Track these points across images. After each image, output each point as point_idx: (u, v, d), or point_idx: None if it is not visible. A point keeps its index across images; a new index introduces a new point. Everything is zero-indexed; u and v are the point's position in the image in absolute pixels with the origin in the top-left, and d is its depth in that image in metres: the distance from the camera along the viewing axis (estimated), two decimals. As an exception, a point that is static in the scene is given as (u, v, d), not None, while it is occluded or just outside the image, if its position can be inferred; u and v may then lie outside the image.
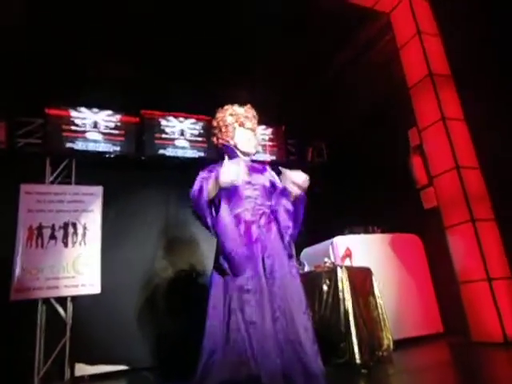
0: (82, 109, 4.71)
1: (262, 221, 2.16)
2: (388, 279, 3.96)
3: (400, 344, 3.50)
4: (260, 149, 2.28)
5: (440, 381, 2.49)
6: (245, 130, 2.31)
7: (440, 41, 4.29)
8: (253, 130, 2.34)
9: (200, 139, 5.17)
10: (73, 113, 4.65)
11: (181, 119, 5.15)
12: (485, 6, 3.71)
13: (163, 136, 4.97)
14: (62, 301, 4.16)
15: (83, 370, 3.90)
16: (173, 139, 5.01)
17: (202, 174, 2.22)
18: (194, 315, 4.12)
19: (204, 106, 5.14)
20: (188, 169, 4.79)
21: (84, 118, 4.68)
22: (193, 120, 5.22)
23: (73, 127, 4.59)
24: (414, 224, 4.46)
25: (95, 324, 4.02)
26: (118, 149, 4.73)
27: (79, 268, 4.19)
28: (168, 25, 4.40)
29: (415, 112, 4.23)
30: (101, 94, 4.74)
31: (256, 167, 2.36)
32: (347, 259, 3.73)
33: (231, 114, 2.31)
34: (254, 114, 2.40)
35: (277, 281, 2.02)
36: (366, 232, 4.38)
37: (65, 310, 4.15)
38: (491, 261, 3.53)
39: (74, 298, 4.18)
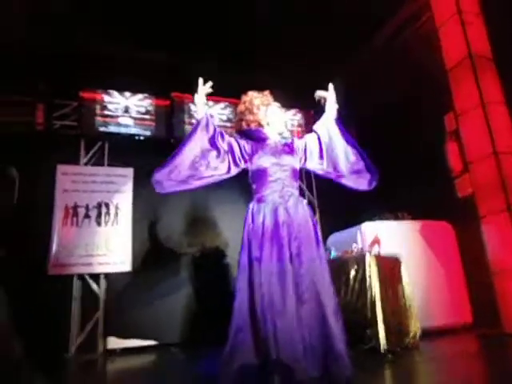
0: (114, 93, 4.82)
1: (290, 202, 2.16)
2: (417, 267, 3.88)
3: (428, 333, 3.45)
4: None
5: (468, 370, 2.45)
6: (275, 108, 2.35)
7: (482, 20, 4.06)
8: (280, 108, 2.38)
9: (228, 124, 5.18)
10: (105, 97, 4.78)
11: (210, 103, 5.17)
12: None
13: (192, 120, 5.01)
14: (95, 277, 4.36)
15: (115, 343, 4.09)
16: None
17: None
18: (222, 294, 4.24)
19: (232, 90, 5.14)
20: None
21: (116, 103, 4.79)
22: (222, 104, 5.24)
23: (105, 111, 4.72)
24: (447, 211, 4.32)
25: (127, 300, 4.18)
26: (148, 132, 4.83)
27: (111, 246, 4.35)
28: (195, 7, 4.37)
29: (453, 96, 4.06)
30: (133, 78, 4.82)
31: (285, 148, 2.35)
32: (376, 246, 3.68)
33: (256, 97, 2.33)
34: (272, 99, 2.42)
35: (304, 264, 2.02)
36: (396, 218, 4.29)
37: (98, 285, 4.35)
38: (528, 252, 3.40)
39: (107, 275, 4.36)
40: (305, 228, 2.12)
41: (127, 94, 4.87)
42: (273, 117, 2.32)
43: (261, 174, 2.21)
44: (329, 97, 2.36)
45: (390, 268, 3.32)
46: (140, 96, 4.92)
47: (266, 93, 2.40)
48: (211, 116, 2.24)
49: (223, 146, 2.20)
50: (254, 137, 2.34)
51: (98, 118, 4.67)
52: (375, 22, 4.84)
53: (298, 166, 2.31)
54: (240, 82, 4.92)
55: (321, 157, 2.33)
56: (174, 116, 4.95)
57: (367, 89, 5.39)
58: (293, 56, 5.04)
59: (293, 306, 1.93)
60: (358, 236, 3.94)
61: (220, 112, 5.21)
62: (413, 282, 3.51)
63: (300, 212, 2.15)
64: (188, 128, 4.97)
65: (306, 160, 2.33)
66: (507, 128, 3.77)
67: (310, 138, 2.37)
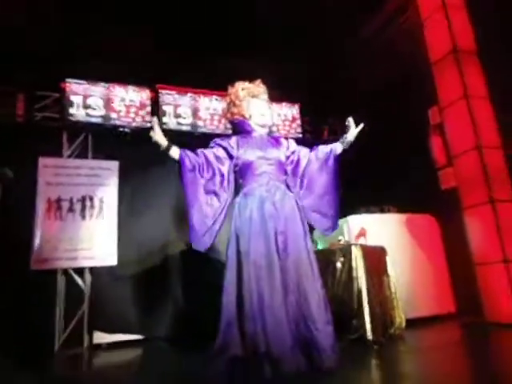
0: (98, 84, 4.70)
1: (277, 196, 2.16)
2: (402, 259, 3.95)
3: (412, 323, 3.52)
4: (274, 121, 2.33)
5: (452, 359, 2.50)
6: (259, 101, 2.31)
7: (466, 14, 4.10)
8: (266, 101, 2.34)
9: (217, 117, 5.13)
10: (88, 88, 4.64)
11: (193, 95, 5.09)
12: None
13: (177, 111, 4.95)
14: (80, 271, 4.29)
15: (101, 337, 4.04)
16: (188, 115, 4.99)
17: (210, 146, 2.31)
18: (211, 287, 4.21)
19: (218, 82, 5.09)
20: (204, 144, 4.82)
21: (100, 94, 4.67)
22: (209, 97, 5.17)
23: (88, 102, 4.60)
24: (431, 204, 4.39)
25: (113, 294, 4.13)
26: (133, 124, 4.73)
27: (96, 240, 4.28)
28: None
29: (437, 89, 4.10)
30: (117, 69, 4.72)
31: (271, 141, 2.35)
32: (362, 238, 3.72)
33: (243, 89, 2.32)
34: (265, 89, 2.40)
35: (290, 256, 2.03)
36: (382, 211, 4.35)
37: (83, 280, 4.28)
38: (508, 243, 3.47)
39: (92, 269, 4.30)
40: (292, 221, 2.12)
41: (111, 85, 4.76)
42: (254, 109, 2.30)
43: (246, 167, 2.21)
44: (352, 130, 2.43)
45: (375, 259, 3.36)
46: (124, 87, 4.82)
47: (258, 82, 2.37)
48: (183, 149, 2.18)
49: (214, 166, 2.19)
50: (240, 129, 2.34)
51: (81, 110, 4.55)
52: (362, 15, 4.84)
53: (284, 160, 2.31)
54: (223, 73, 4.93)
55: (296, 174, 2.34)
56: (159, 108, 4.87)
57: (353, 82, 5.41)
58: (282, 49, 5.01)
59: (280, 299, 1.94)
60: (345, 228, 3.97)
61: (205, 104, 5.13)
62: (398, 273, 3.56)
63: (287, 205, 2.16)
64: (174, 120, 4.90)
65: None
66: (490, 122, 3.84)
67: (302, 151, 2.38)
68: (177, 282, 4.28)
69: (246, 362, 1.88)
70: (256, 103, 2.31)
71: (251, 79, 2.40)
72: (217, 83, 5.13)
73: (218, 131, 5.06)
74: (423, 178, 4.42)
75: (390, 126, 5.08)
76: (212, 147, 2.28)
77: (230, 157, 2.24)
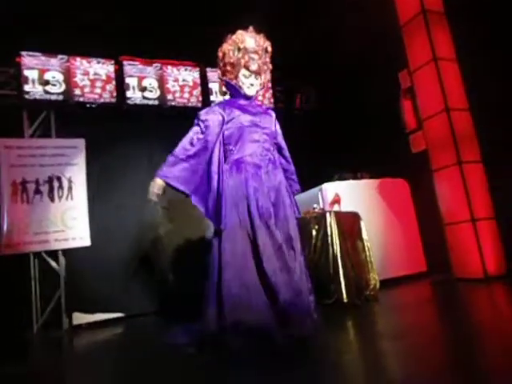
0: (58, 57, 4.40)
1: (270, 167, 2.12)
2: (376, 223, 4.05)
3: (386, 283, 3.67)
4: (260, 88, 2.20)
5: (422, 315, 2.62)
6: (249, 73, 2.17)
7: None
8: (258, 72, 2.18)
9: (187, 89, 4.92)
10: (47, 62, 4.35)
11: (159, 65, 4.86)
12: None
13: (143, 84, 4.70)
14: (53, 254, 4.19)
15: (81, 318, 4.02)
16: (155, 87, 4.78)
17: (197, 123, 2.16)
18: (186, 263, 4.23)
19: (190, 51, 4.88)
20: (174, 120, 4.67)
21: (60, 68, 4.39)
22: (177, 67, 4.95)
23: (48, 78, 4.32)
24: (403, 168, 4.48)
25: (90, 275, 4.08)
26: (100, 100, 4.50)
27: (68, 222, 4.17)
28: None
29: (407, 53, 4.08)
30: (77, 40, 4.42)
31: (263, 109, 2.28)
32: (336, 205, 3.77)
33: (239, 49, 2.15)
34: (267, 46, 2.23)
35: (281, 221, 2.05)
36: (355, 178, 4.40)
37: (57, 263, 4.19)
38: (476, 202, 3.60)
39: (66, 251, 4.20)
40: (283, 193, 2.12)
41: (72, 57, 4.47)
42: (243, 79, 2.18)
43: (238, 133, 2.10)
44: None
45: (349, 224, 3.42)
46: (87, 60, 4.54)
47: (260, 40, 2.19)
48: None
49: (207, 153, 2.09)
50: (231, 90, 2.24)
51: (38, 86, 4.27)
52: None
53: (274, 129, 2.26)
54: (196, 42, 4.72)
55: None
56: (124, 81, 4.64)
57: (325, 48, 5.32)
58: (251, 18, 4.81)
59: (253, 267, 1.93)
60: (319, 196, 4.01)
61: (172, 75, 4.91)
62: (372, 236, 3.66)
63: (278, 176, 2.15)
64: (139, 94, 4.67)
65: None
66: (458, 85, 3.87)
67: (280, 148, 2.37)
68: (153, 257, 4.25)
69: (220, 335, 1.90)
70: (245, 74, 2.17)
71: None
72: (188, 53, 4.96)
73: (189, 104, 4.89)
74: (396, 143, 4.48)
75: (361, 92, 5.07)
76: (201, 128, 2.12)
77: (221, 127, 2.12)
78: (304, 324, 1.94)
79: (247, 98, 2.21)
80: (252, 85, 2.19)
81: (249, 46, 2.16)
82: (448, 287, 3.58)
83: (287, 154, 2.39)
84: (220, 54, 2.22)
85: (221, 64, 2.22)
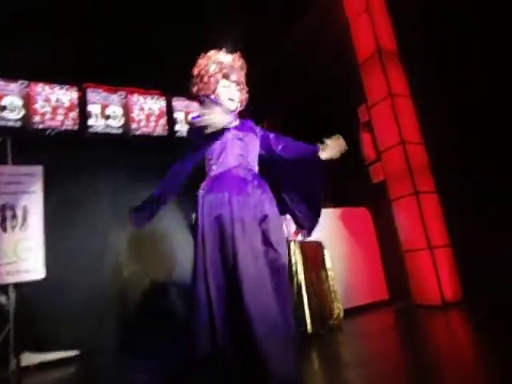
0: (19, 81, 4.29)
1: (255, 182, 1.97)
2: (339, 251, 4.11)
3: (350, 312, 3.70)
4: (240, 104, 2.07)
5: (385, 343, 2.65)
6: (229, 83, 2.04)
7: (388, 16, 4.36)
8: (238, 83, 2.06)
9: (153, 118, 4.91)
10: (5, 87, 4.22)
11: (123, 93, 4.84)
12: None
13: (106, 112, 4.65)
14: (3, 288, 3.91)
15: (31, 358, 3.72)
16: (119, 115, 4.74)
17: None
18: (149, 297, 4.07)
19: (156, 80, 4.89)
20: (139, 149, 4.62)
21: (18, 94, 4.28)
22: (143, 95, 4.95)
23: (4, 103, 4.18)
24: (364, 198, 4.63)
25: (42, 311, 3.81)
26: (59, 125, 4.39)
27: (21, 253, 3.92)
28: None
29: (365, 88, 4.32)
30: (39, 65, 4.34)
31: (246, 123, 2.14)
32: (299, 235, 3.80)
33: (215, 63, 2.03)
34: (243, 64, 2.13)
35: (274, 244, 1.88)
36: (318, 207, 4.47)
37: (7, 297, 3.90)
38: (432, 230, 3.77)
39: (18, 285, 3.94)
40: (270, 207, 1.98)
41: (32, 83, 4.37)
42: (222, 91, 2.03)
43: (222, 148, 1.96)
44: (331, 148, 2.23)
45: (313, 254, 3.46)
46: (49, 86, 4.45)
47: (235, 57, 2.09)
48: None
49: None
50: (208, 103, 2.05)
51: (-4, 110, 4.13)
52: (291, 14, 4.94)
53: (257, 146, 2.12)
54: (159, 74, 4.74)
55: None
56: (86, 109, 4.57)
57: (287, 83, 5.52)
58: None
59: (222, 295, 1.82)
60: (283, 225, 4.03)
61: (138, 104, 4.90)
62: (335, 265, 3.70)
63: (266, 192, 2.01)
64: (102, 122, 4.61)
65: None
66: (413, 119, 4.12)
67: (274, 138, 2.20)
68: (113, 292, 4.07)
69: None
70: (225, 85, 2.03)
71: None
72: (152, 82, 4.96)
73: (155, 134, 4.87)
74: (358, 174, 4.64)
75: (323, 124, 5.25)
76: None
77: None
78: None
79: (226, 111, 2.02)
80: (232, 100, 2.05)
81: (225, 60, 2.06)
82: (409, 314, 3.66)
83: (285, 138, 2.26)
84: (196, 71, 2.07)
85: (197, 80, 2.04)
